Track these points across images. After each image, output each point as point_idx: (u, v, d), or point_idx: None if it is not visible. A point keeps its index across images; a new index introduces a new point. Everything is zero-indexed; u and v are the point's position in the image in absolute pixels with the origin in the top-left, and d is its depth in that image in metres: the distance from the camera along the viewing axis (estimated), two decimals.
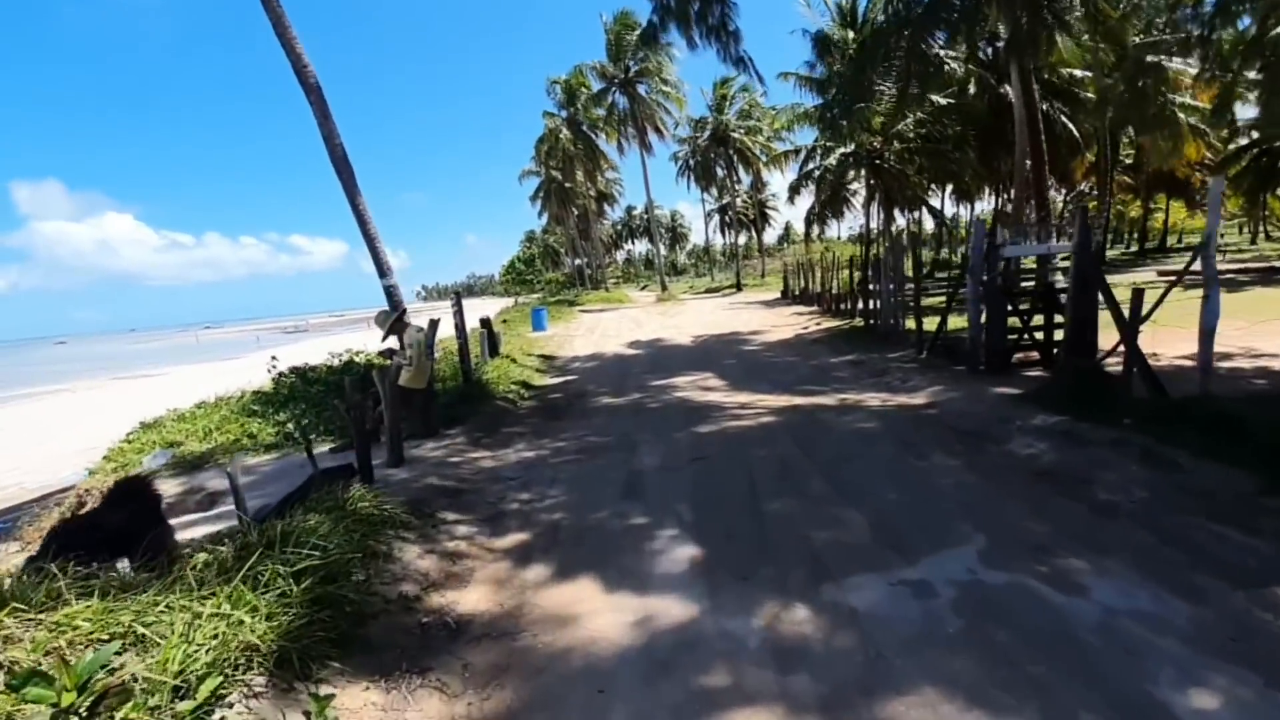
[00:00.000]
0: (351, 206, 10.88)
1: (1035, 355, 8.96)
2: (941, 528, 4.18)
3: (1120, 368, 6.49)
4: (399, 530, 4.55)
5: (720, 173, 46.95)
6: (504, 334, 20.26)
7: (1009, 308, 8.74)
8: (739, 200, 50.20)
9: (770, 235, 72.44)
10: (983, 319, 8.68)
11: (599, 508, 5.09)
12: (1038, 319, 8.96)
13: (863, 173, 27.37)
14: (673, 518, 4.74)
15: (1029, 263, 10.37)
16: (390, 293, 10.96)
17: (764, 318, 21.32)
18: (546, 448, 7.00)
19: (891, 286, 12.63)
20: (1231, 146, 37.31)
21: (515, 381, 10.79)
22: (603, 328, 22.95)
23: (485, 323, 13.31)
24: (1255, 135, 36.38)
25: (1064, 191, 36.65)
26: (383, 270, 10.95)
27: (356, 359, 11.31)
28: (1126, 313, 6.20)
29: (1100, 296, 6.31)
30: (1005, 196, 33.65)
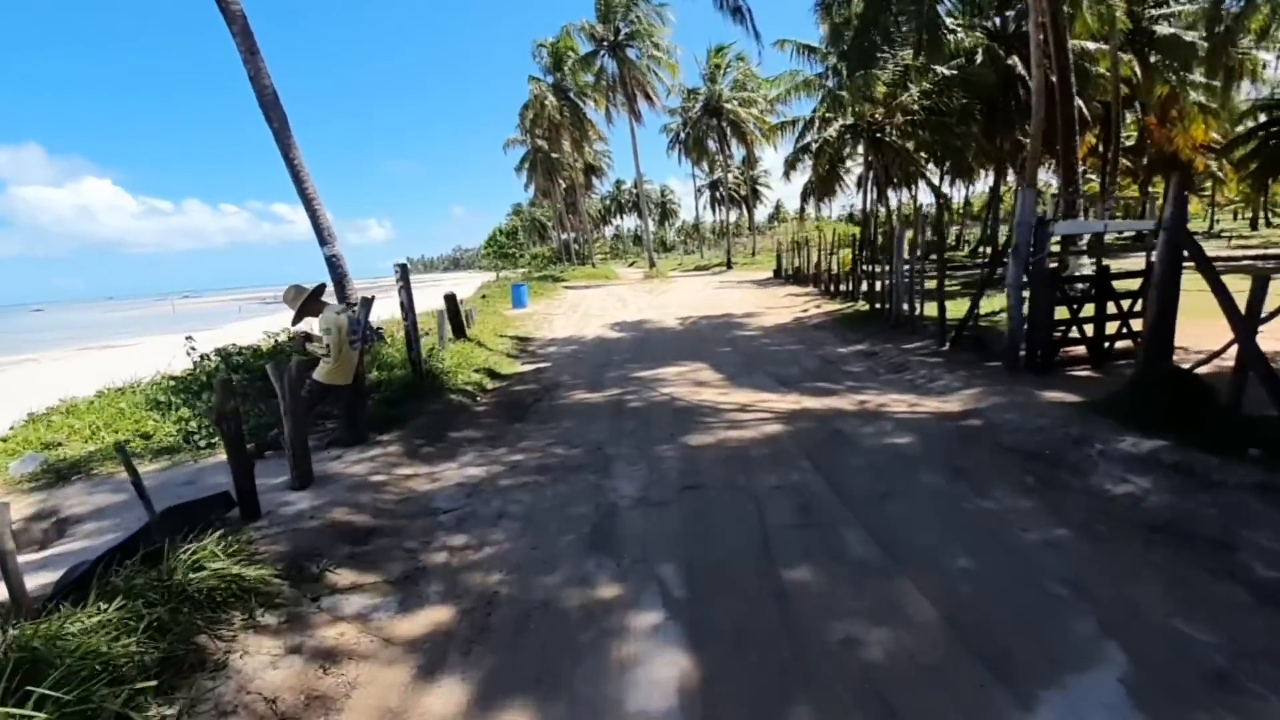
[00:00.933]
0: (285, 159, 9.23)
1: (1082, 352, 7.61)
2: (1051, 629, 2.80)
3: (1205, 371, 5.16)
4: (258, 609, 3.11)
5: (713, 146, 45.04)
6: (480, 311, 18.68)
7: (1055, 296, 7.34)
8: (730, 176, 48.39)
9: (761, 213, 70.71)
10: (1025, 307, 7.30)
11: (554, 565, 3.66)
12: (1086, 309, 7.58)
13: (860, 147, 25.79)
14: (655, 590, 3.33)
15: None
16: (333, 264, 9.39)
17: (757, 298, 19.87)
18: (500, 462, 5.54)
19: (906, 267, 11.20)
20: (1240, 129, 36.06)
21: (478, 370, 9.28)
22: (586, 306, 21.39)
23: (450, 299, 11.74)
24: (1264, 118, 35.14)
25: (1050, 167, 35.36)
26: (323, 237, 9.35)
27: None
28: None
29: (1211, 285, 4.91)
30: (1005, 176, 32.23)
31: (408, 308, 7.69)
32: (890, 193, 27.45)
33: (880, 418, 6.16)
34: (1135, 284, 7.38)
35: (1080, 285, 8.10)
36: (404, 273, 7.54)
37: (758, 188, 62.66)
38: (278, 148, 9.19)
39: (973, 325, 8.74)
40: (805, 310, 15.54)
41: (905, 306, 11.19)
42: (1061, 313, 7.44)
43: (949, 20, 26.03)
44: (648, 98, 34.33)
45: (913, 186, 29.14)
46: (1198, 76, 29.68)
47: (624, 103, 35.16)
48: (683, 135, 47.39)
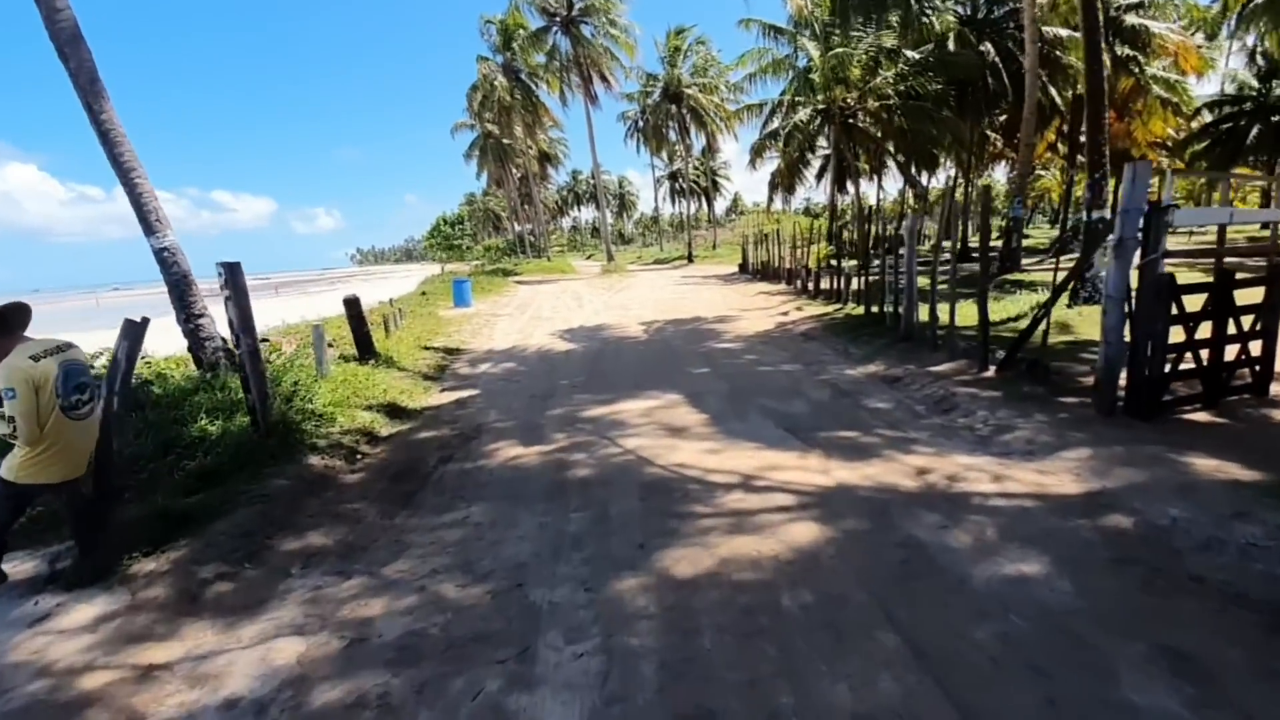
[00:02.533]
0: (89, 115, 6.40)
1: (1195, 388, 5.54)
2: None
3: None
4: None
5: (673, 136, 42.67)
6: (411, 313, 15.91)
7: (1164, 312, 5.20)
8: (690, 166, 46.13)
9: (720, 205, 68.75)
10: (1125, 327, 5.17)
11: None
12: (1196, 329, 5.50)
13: (830, 132, 23.79)
14: None
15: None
16: (165, 261, 6.63)
17: (728, 297, 17.64)
18: (339, 627, 3.04)
19: (919, 265, 9.05)
20: (1195, 124, 35.68)
21: (372, 406, 6.69)
22: (537, 305, 18.79)
23: (352, 304, 9.03)
24: (1221, 111, 34.80)
25: (1011, 163, 34.22)
26: (149, 223, 6.58)
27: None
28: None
29: None
30: (974, 166, 30.88)
31: (243, 326, 5.02)
32: (851, 184, 25.61)
33: (964, 507, 3.89)
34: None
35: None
36: (232, 274, 4.88)
37: (718, 179, 60.67)
38: (79, 98, 6.36)
39: (1027, 345, 6.62)
40: (786, 313, 13.35)
41: (915, 315, 9.06)
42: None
43: (925, 3, 24.35)
44: (604, 79, 31.68)
45: (880, 176, 27.39)
46: (1158, 70, 28.79)
47: (579, 85, 32.42)
48: (640, 123, 44.87)
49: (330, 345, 9.73)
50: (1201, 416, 5.22)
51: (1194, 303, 5.31)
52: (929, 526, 3.66)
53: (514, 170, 49.87)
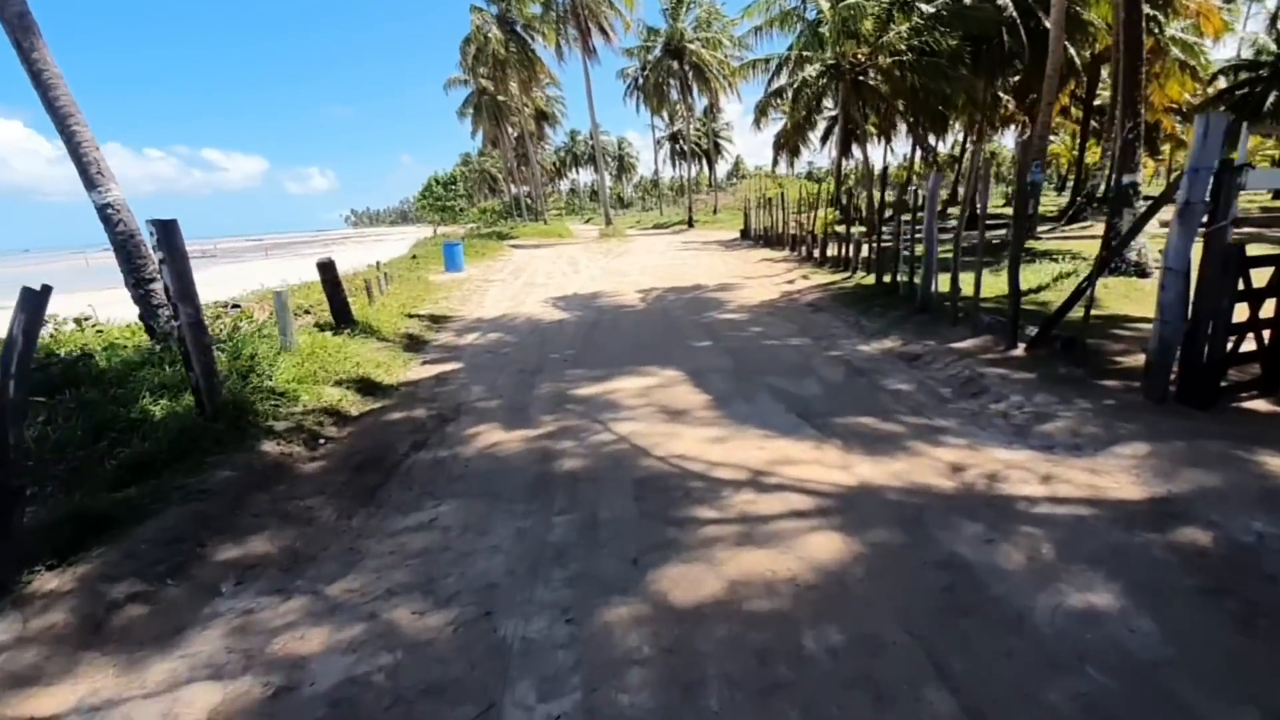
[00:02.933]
0: (20, 57, 5.63)
1: (1248, 373, 4.95)
2: None
3: None
4: None
5: (674, 95, 41.06)
6: (400, 278, 15.21)
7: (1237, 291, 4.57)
8: (692, 127, 44.61)
9: (721, 169, 67.00)
10: (1189, 303, 4.55)
11: None
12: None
13: (839, 90, 22.60)
14: None
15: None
16: (108, 219, 5.93)
17: (729, 264, 16.90)
18: (264, 665, 2.49)
19: (936, 233, 8.33)
20: (1211, 89, 34.37)
21: (342, 381, 6.09)
22: (531, 270, 18.05)
23: (326, 268, 8.33)
24: (1238, 76, 33.54)
25: (1022, 126, 32.90)
26: (90, 178, 5.87)
27: (64, 334, 6.29)
28: None
29: None
30: (986, 128, 29.71)
31: (176, 296, 4.36)
32: (859, 147, 24.51)
33: (1010, 514, 3.34)
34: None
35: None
36: (167, 234, 4.20)
37: (720, 141, 58.92)
38: (5, 33, 5.56)
39: (1061, 321, 6.00)
40: (791, 281, 12.67)
41: (934, 285, 8.41)
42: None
43: None
44: (603, 32, 30.16)
45: (889, 139, 26.30)
46: (1176, 31, 27.56)
47: (576, 38, 30.87)
48: (640, 80, 43.18)
49: (306, 313, 9.08)
50: (1262, 405, 4.65)
51: (1258, 278, 4.68)
52: (973, 540, 3.11)
53: (510, 130, 48.24)
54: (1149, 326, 6.91)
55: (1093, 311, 8.01)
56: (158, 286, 6.09)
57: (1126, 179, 9.89)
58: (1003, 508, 3.42)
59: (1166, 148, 48.46)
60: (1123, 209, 9.89)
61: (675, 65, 37.19)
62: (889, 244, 10.88)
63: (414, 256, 22.36)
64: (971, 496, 3.56)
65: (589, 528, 3.40)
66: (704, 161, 58.18)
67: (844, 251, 13.48)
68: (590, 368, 6.70)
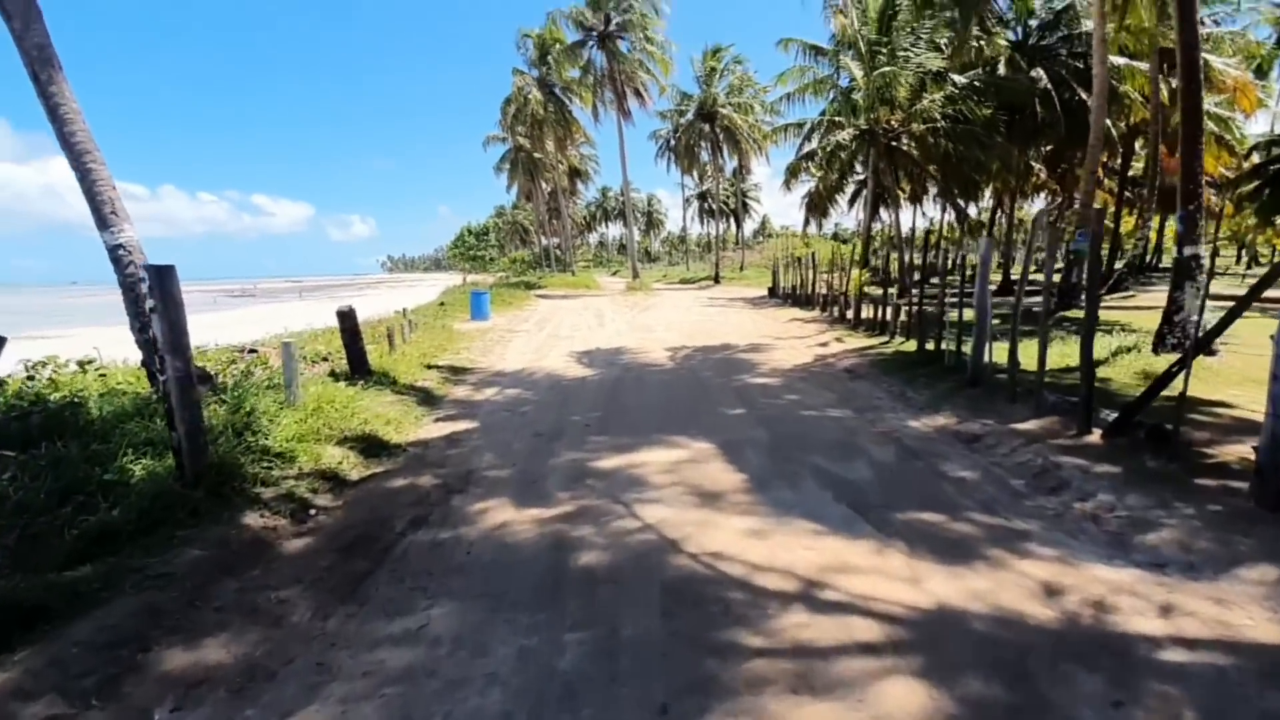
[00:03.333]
0: (38, 90, 5.51)
1: None
2: None
3: None
4: None
5: (704, 156, 41.80)
6: (424, 326, 15.00)
7: None
8: (721, 187, 45.18)
9: (747, 227, 67.58)
10: None
11: None
12: None
13: (871, 155, 22.51)
14: None
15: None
16: (118, 259, 5.66)
17: (758, 323, 16.41)
18: None
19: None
20: (1248, 163, 33.80)
21: (347, 440, 5.61)
22: (556, 322, 17.78)
23: (346, 317, 8.01)
24: (1272, 152, 33.00)
25: (1052, 194, 32.44)
26: (104, 218, 5.64)
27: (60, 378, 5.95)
28: None
29: None
30: (1018, 195, 29.32)
31: (166, 347, 3.95)
32: (890, 209, 24.25)
33: (1133, 664, 2.62)
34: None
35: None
36: (161, 281, 3.79)
37: (748, 200, 59.68)
38: (24, 65, 5.45)
39: (1147, 406, 5.30)
40: (825, 344, 12.09)
41: (988, 356, 7.77)
42: None
43: (984, 11, 23.13)
44: (638, 95, 30.94)
45: (920, 203, 26.04)
46: (1211, 105, 27.31)
47: (612, 100, 31.70)
48: (672, 141, 44.15)
49: (324, 360, 8.75)
50: None
51: None
52: (1095, 703, 2.40)
53: (544, 184, 49.46)
54: (1233, 413, 6.22)
55: (1162, 392, 7.30)
56: None
57: (1188, 251, 9.29)
58: (1122, 652, 2.72)
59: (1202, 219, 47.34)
60: (1184, 281, 9.25)
61: (707, 128, 37.93)
62: (927, 308, 10.30)
63: (441, 304, 22.37)
64: (1079, 633, 2.86)
65: (606, 653, 2.77)
66: (731, 220, 58.81)
67: (880, 315, 12.92)
68: (614, 434, 6.15)
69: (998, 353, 7.96)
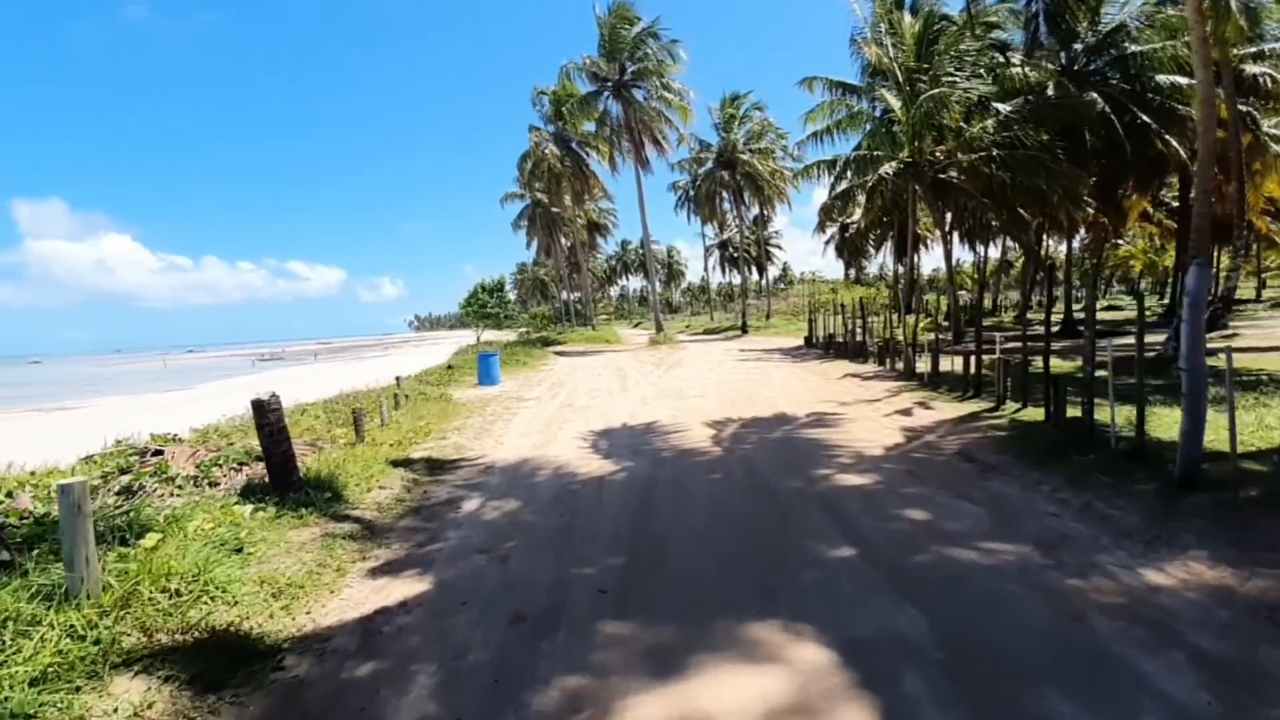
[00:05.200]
0: None
1: None
2: None
3: None
4: None
5: (724, 206, 40.11)
6: (417, 396, 12.66)
7: None
8: (744, 234, 43.27)
9: (769, 275, 65.39)
10: None
11: None
12: None
13: (913, 188, 20.14)
14: None
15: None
16: None
17: (808, 381, 13.71)
18: None
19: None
20: None
21: (168, 655, 3.06)
22: (573, 385, 15.33)
23: (259, 407, 5.59)
24: None
25: (1095, 228, 29.49)
26: None
27: None
28: None
29: None
30: (1074, 227, 26.55)
31: None
32: (939, 246, 21.68)
33: None
34: None
35: None
36: None
37: (769, 248, 57.77)
38: None
39: None
40: (907, 411, 9.35)
41: (1198, 438, 4.99)
42: None
43: (1014, 56, 21.09)
44: (657, 143, 29.34)
45: (973, 239, 23.41)
46: (1270, 127, 24.68)
47: (629, 150, 30.17)
48: (691, 191, 42.70)
49: (241, 468, 6.31)
50: None
51: None
52: None
53: (563, 240, 48.19)
54: None
55: None
56: None
57: None
58: None
59: (1254, 246, 44.14)
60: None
61: (727, 176, 36.30)
62: (994, 356, 7.61)
63: (449, 366, 20.16)
64: None
65: None
66: (753, 268, 56.79)
67: (970, 370, 10.18)
68: (647, 618, 3.50)
69: (1121, 414, 5.22)
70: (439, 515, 5.54)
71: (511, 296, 65.87)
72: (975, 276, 37.09)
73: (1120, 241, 45.65)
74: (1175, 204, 32.82)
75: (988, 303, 38.39)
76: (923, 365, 14.03)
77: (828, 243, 52.10)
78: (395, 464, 7.11)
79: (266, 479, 5.67)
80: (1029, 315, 33.68)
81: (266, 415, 5.57)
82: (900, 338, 15.63)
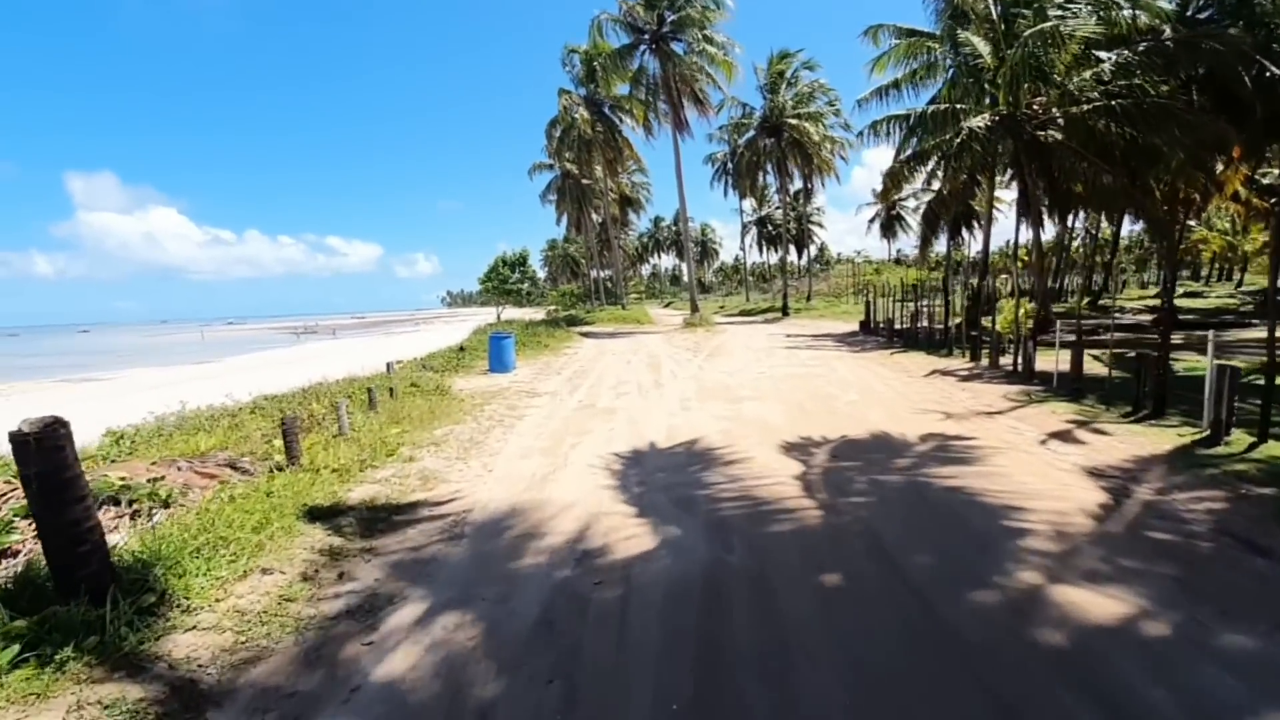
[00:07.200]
0: None
1: None
2: None
3: None
4: None
5: (767, 178, 36.62)
6: (405, 393, 10.24)
7: None
8: (786, 208, 39.73)
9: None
10: None
11: None
12: None
13: (1013, 146, 16.71)
14: None
15: None
16: None
17: (888, 380, 10.81)
18: None
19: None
20: None
21: None
22: (599, 374, 12.74)
23: (23, 452, 3.13)
24: None
25: (1190, 211, 25.13)
26: None
27: None
28: None
29: None
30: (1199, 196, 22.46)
31: None
32: (1048, 217, 18.21)
33: None
34: None
35: None
36: None
37: (811, 225, 53.94)
38: None
39: None
40: (1061, 431, 6.44)
41: None
42: None
43: None
44: (697, 102, 26.11)
45: (1078, 210, 19.87)
46: None
47: (666, 112, 27.04)
48: (730, 163, 39.28)
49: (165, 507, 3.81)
50: None
51: None
52: None
53: (593, 214, 45.34)
54: None
55: None
56: None
57: None
58: None
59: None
60: None
61: (771, 143, 32.81)
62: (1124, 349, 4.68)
63: (461, 348, 17.76)
64: None
65: None
66: (794, 246, 53.12)
67: (1145, 381, 7.20)
68: None
69: None
70: (330, 656, 2.99)
71: (542, 274, 63.44)
72: (1062, 256, 33.09)
73: (1191, 224, 40.49)
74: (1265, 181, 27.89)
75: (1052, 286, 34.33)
76: (1006, 360, 11.18)
77: (872, 220, 48.00)
78: (316, 515, 4.59)
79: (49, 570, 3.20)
80: (1102, 301, 29.77)
81: (38, 460, 3.07)
82: (998, 328, 12.59)
